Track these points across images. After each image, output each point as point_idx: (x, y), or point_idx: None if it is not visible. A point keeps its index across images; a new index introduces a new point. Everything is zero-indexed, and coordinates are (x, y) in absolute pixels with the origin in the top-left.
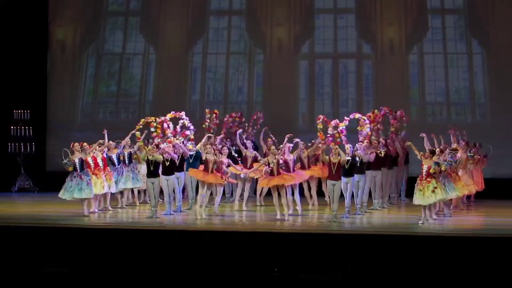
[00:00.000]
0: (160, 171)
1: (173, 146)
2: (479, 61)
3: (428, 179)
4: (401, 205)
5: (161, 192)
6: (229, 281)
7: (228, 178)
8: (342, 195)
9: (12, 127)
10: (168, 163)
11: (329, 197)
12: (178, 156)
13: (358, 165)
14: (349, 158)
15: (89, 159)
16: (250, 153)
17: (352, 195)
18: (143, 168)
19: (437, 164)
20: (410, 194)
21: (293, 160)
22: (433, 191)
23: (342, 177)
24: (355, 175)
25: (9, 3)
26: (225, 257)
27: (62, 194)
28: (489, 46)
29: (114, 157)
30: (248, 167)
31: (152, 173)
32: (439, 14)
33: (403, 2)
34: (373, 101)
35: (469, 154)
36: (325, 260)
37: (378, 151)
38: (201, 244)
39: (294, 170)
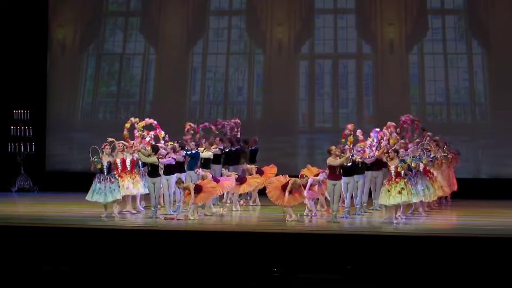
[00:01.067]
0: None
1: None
2: (479, 61)
3: (397, 180)
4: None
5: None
6: (228, 281)
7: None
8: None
9: (12, 127)
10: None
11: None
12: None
13: (358, 165)
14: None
15: (118, 161)
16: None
17: (352, 196)
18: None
19: (403, 161)
20: None
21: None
22: (399, 192)
23: (342, 177)
24: (355, 175)
25: (9, 2)
26: (225, 257)
27: (91, 197)
28: (489, 47)
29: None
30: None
31: (152, 173)
32: (439, 14)
33: (403, 2)
34: (373, 101)
35: (442, 154)
36: (324, 260)
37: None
38: (201, 244)
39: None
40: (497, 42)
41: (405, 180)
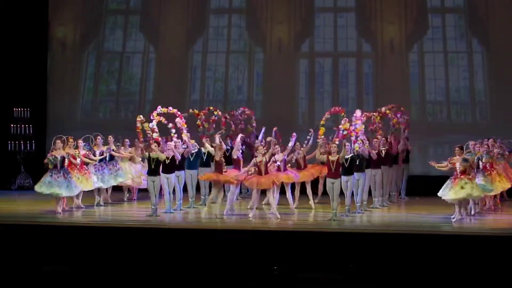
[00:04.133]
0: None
1: (175, 146)
2: (479, 60)
3: (462, 176)
4: (401, 204)
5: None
6: (228, 279)
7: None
8: (342, 193)
9: (12, 126)
10: (169, 161)
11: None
12: (180, 155)
13: (357, 163)
14: (348, 156)
15: (70, 157)
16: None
17: (352, 194)
18: (127, 165)
19: (465, 160)
20: (410, 192)
21: (284, 160)
22: (462, 187)
23: (342, 176)
24: (354, 173)
25: (9, 1)
26: (225, 255)
27: (38, 187)
28: (489, 45)
29: (97, 152)
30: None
31: (153, 171)
32: (439, 13)
33: (403, 1)
34: (373, 100)
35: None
36: (324, 258)
37: (377, 150)
38: (201, 242)
39: (285, 170)
40: (497, 40)
41: (469, 177)
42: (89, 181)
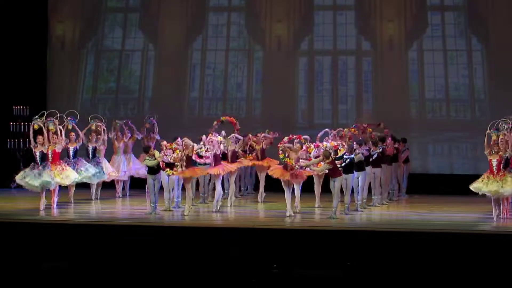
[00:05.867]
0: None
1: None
2: (479, 58)
3: (501, 173)
4: (400, 202)
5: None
6: (228, 277)
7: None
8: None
9: (11, 123)
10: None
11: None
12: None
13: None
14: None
15: (49, 152)
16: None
17: (352, 191)
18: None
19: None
20: (409, 190)
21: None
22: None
23: (342, 174)
24: (354, 171)
25: None
26: (224, 253)
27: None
28: (489, 43)
29: (71, 149)
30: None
31: (154, 169)
32: (439, 10)
33: None
34: (372, 98)
35: None
36: (324, 256)
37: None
38: (200, 240)
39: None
40: (496, 38)
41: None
42: (67, 176)
